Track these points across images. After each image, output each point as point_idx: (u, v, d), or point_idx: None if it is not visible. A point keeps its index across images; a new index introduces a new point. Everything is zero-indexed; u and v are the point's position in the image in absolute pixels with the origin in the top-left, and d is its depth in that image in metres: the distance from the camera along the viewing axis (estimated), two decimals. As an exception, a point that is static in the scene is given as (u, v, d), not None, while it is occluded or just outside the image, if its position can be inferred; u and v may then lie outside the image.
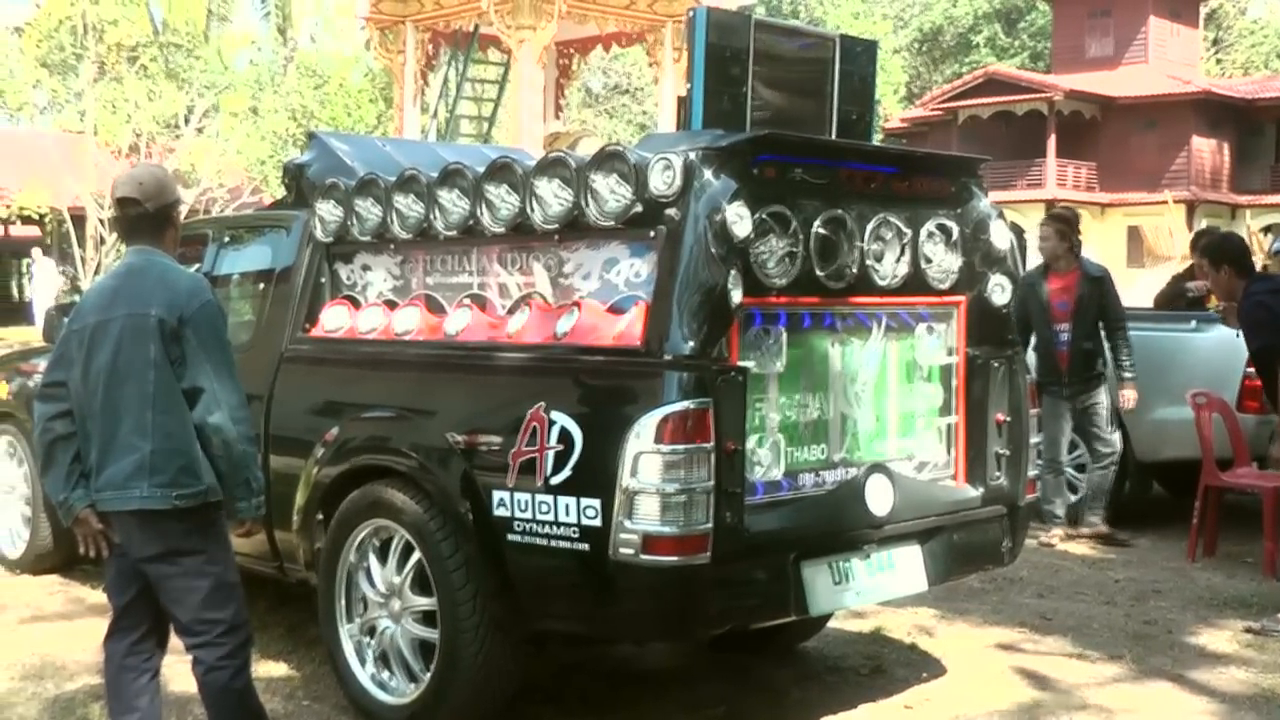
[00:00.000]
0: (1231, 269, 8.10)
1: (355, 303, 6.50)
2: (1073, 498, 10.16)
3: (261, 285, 7.05)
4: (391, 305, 6.32)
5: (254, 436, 4.88)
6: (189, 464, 4.69)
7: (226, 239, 7.46)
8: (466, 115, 24.30)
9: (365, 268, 6.51)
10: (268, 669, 6.62)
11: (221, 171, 30.67)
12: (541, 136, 18.30)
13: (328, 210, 6.45)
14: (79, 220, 29.90)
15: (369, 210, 6.23)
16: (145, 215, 4.85)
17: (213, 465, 4.73)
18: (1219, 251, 8.27)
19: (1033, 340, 9.72)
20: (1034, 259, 10.69)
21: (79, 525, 4.82)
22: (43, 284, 34.93)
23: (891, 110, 55.56)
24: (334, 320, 6.46)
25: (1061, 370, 9.70)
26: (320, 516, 6.16)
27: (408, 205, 6.04)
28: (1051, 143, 46.96)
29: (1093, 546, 9.70)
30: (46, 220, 32.21)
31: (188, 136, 30.98)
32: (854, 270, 5.60)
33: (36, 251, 34.63)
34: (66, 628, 7.45)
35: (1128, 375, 9.64)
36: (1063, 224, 9.92)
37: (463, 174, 5.81)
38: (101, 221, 27.47)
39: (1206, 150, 47.67)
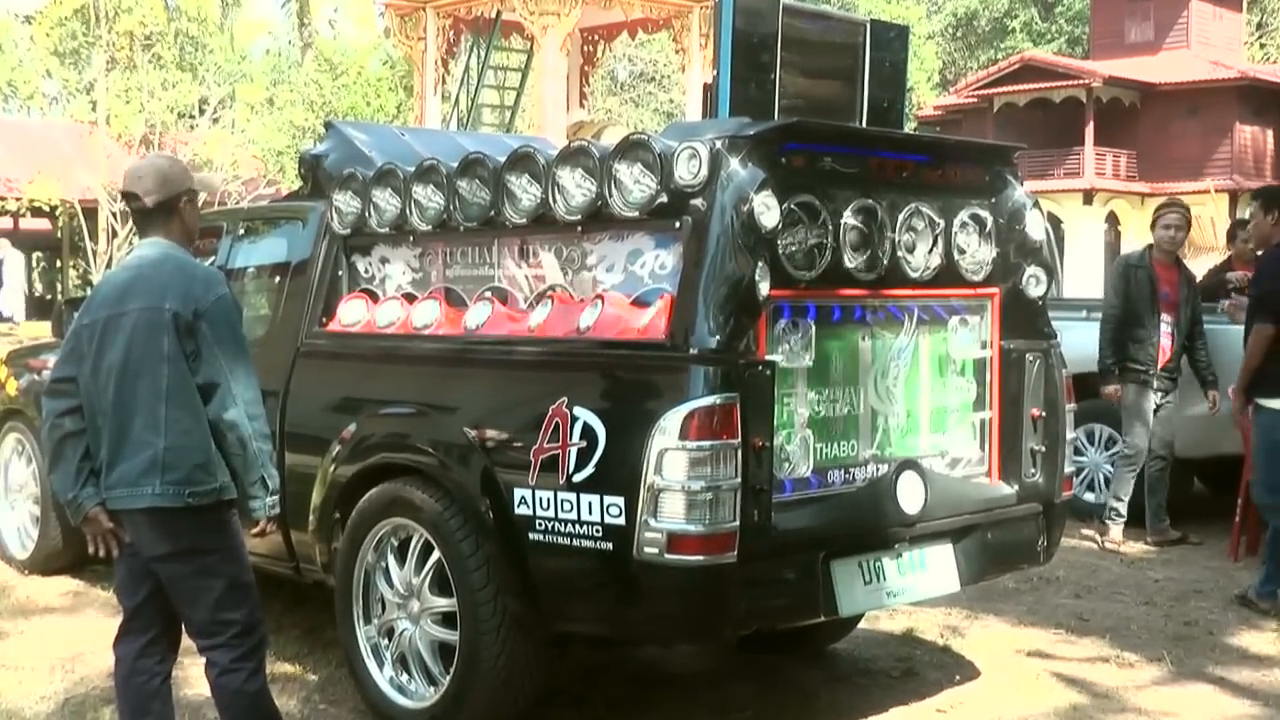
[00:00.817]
0: None
1: (373, 296, 6.51)
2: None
3: (277, 278, 7.07)
4: (410, 299, 6.33)
5: (270, 433, 4.87)
6: (204, 461, 4.70)
7: (241, 231, 7.48)
8: (488, 104, 24.33)
9: (383, 260, 6.52)
10: (283, 671, 6.65)
11: (236, 163, 30.72)
12: (565, 125, 18.31)
13: (345, 201, 6.47)
14: (90, 213, 29.98)
15: (387, 201, 6.24)
16: (145, 210, 4.88)
17: (227, 462, 4.74)
18: (1275, 196, 8.51)
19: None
20: (1076, 249, 10.72)
21: (88, 524, 4.82)
22: (10, 276, 34.89)
23: (924, 97, 55.48)
24: (351, 314, 6.48)
25: (1158, 361, 9.67)
26: (337, 515, 6.18)
27: (427, 196, 6.05)
28: (1090, 130, 46.77)
29: (1131, 546, 9.67)
30: (57, 213, 32.30)
31: (202, 127, 31.06)
32: (885, 262, 5.59)
33: (4, 242, 34.63)
34: (77, 630, 7.48)
35: (1211, 378, 9.63)
36: (1190, 215, 10.04)
37: (483, 164, 5.81)
38: (114, 214, 27.55)
39: (1250, 137, 47.45)
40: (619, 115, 47.12)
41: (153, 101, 29.36)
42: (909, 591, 5.72)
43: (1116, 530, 9.75)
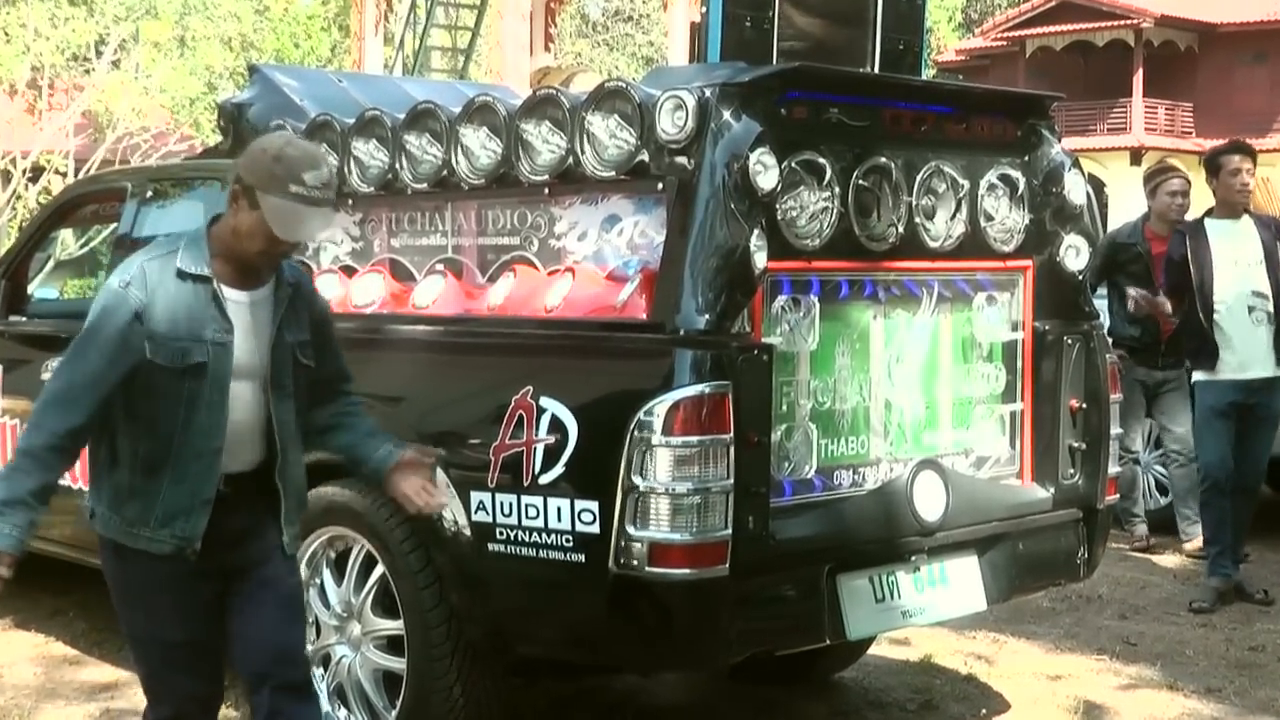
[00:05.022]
0: None
1: (306, 269, 6.52)
2: (1163, 500, 10.24)
3: (193, 248, 7.06)
4: (349, 272, 6.35)
5: (31, 446, 4.31)
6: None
7: (149, 194, 7.44)
8: (438, 46, 24.28)
9: (318, 227, 6.53)
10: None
11: (141, 113, 30.50)
12: (528, 72, 18.34)
13: (273, 159, 6.47)
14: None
15: (322, 159, 6.25)
16: None
17: None
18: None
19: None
20: (1122, 217, 10.72)
21: None
22: None
23: (945, 40, 55.50)
24: (281, 290, 6.48)
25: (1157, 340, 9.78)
26: (265, 523, 6.19)
27: (369, 153, 6.07)
28: (1138, 79, 46.86)
29: (1187, 557, 9.73)
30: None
31: (100, 71, 30.90)
32: (900, 230, 5.63)
33: None
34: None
35: None
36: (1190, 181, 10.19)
37: (435, 115, 5.83)
38: (-8, 175, 27.33)
39: (1325, 87, 47.55)
40: (590, 60, 47.14)
41: (39, 40, 29.16)
42: (928, 611, 5.76)
43: (1141, 529, 9.95)
